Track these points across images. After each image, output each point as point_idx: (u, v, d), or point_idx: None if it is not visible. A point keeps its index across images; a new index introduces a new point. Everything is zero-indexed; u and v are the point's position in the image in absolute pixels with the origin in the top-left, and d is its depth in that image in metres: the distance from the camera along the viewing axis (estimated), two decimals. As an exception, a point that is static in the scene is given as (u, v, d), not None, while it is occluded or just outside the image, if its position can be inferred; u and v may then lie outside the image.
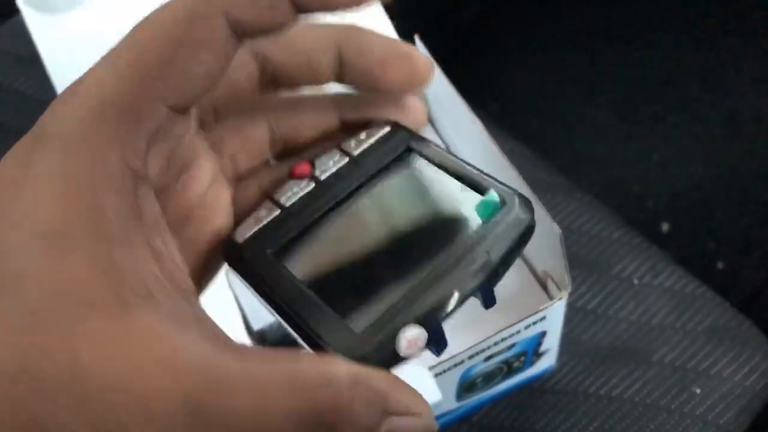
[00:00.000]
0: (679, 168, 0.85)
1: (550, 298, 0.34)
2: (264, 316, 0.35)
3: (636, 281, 0.44)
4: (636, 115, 0.89)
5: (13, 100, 0.57)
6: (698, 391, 0.41)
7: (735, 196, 0.83)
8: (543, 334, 0.34)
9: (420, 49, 0.36)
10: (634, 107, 0.89)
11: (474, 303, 0.35)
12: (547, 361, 0.39)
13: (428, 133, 0.41)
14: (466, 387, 0.35)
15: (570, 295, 0.36)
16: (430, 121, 0.41)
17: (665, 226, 0.82)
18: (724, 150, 0.86)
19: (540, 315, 0.31)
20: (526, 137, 0.53)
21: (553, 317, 0.33)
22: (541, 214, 0.30)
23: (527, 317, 0.31)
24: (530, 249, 0.35)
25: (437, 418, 0.38)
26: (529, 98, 0.92)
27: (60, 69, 0.39)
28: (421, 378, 0.31)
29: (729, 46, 0.90)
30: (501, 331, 0.31)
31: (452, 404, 0.37)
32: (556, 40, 0.95)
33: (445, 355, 0.31)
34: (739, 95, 0.88)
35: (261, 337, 0.35)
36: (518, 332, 0.32)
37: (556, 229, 0.29)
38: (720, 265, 0.79)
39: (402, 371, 0.31)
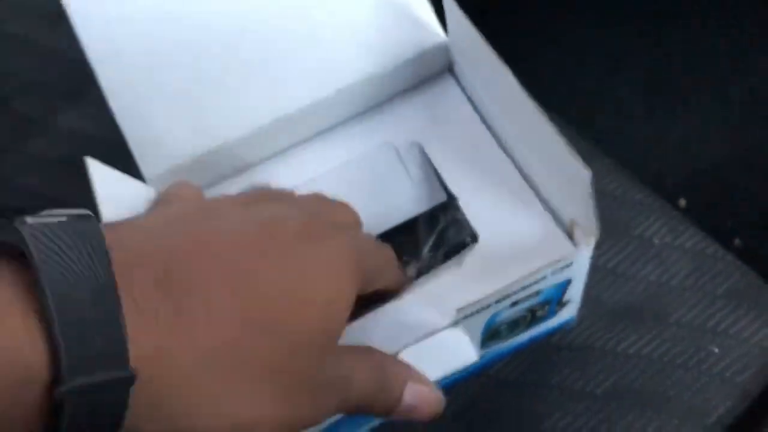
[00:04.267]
0: (699, 146, 0.85)
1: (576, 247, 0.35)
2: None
3: (656, 242, 0.45)
4: (659, 92, 0.88)
5: (38, 55, 0.57)
6: (716, 350, 0.42)
7: (755, 175, 0.83)
8: (568, 282, 0.34)
9: (450, 7, 0.35)
10: (658, 84, 0.89)
11: (501, 248, 0.35)
12: (568, 313, 0.40)
13: (449, 84, 0.39)
14: (491, 334, 0.36)
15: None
16: (451, 72, 0.40)
17: (683, 202, 0.82)
18: (745, 130, 0.85)
19: (567, 261, 0.32)
20: (547, 111, 0.53)
21: (580, 264, 0.33)
22: (569, 159, 0.30)
23: (554, 262, 0.31)
24: (556, 196, 0.35)
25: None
26: (549, 73, 0.91)
27: (87, 23, 0.39)
28: (459, 340, 0.32)
29: (755, 26, 0.90)
30: (528, 276, 0.31)
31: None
32: (579, 15, 0.94)
33: (471, 299, 0.32)
34: (763, 76, 0.87)
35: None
36: (544, 278, 0.32)
37: (587, 172, 0.29)
38: (737, 242, 0.79)
39: (439, 334, 0.31)
